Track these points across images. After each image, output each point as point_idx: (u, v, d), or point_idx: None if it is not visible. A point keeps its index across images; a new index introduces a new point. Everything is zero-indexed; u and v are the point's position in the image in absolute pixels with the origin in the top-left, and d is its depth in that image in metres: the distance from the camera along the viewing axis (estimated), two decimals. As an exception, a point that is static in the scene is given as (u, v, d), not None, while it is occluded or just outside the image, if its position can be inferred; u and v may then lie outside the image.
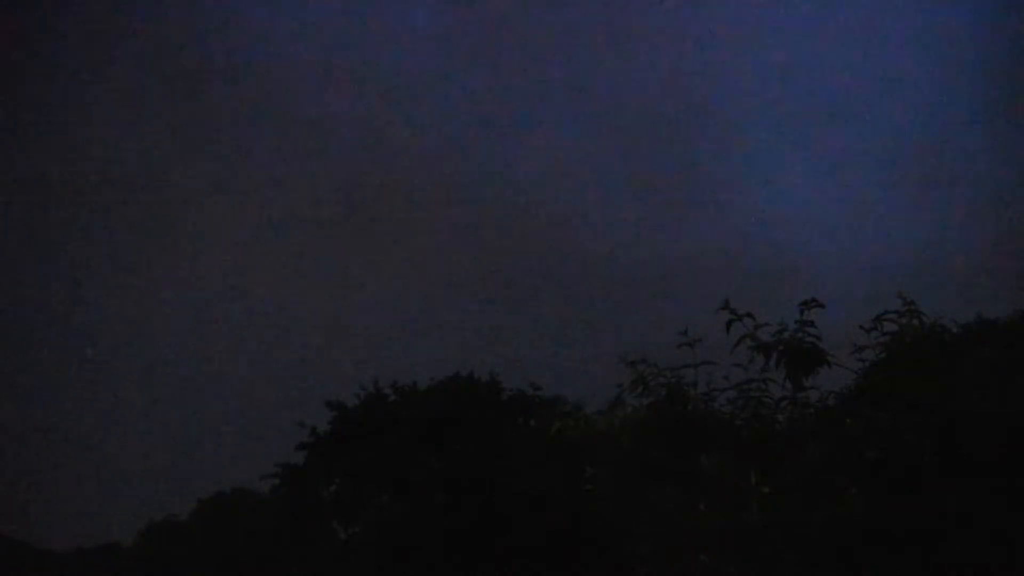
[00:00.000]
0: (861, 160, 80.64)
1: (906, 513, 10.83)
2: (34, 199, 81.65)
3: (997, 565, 10.75)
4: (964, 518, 10.94)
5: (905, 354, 12.21)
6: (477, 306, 64.53)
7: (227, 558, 41.77)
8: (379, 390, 39.66)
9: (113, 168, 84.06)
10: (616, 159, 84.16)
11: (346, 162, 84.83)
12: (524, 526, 27.63)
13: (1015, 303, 16.54)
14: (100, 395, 65.24)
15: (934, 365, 12.12)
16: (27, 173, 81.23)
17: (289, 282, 74.91)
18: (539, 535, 26.91)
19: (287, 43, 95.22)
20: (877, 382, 12.06)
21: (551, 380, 36.79)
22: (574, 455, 25.11)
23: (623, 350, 12.72)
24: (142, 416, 63.03)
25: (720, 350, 12.33)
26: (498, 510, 29.32)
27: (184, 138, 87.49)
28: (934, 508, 10.99)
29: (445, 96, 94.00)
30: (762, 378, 12.26)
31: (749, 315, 12.04)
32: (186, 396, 62.19)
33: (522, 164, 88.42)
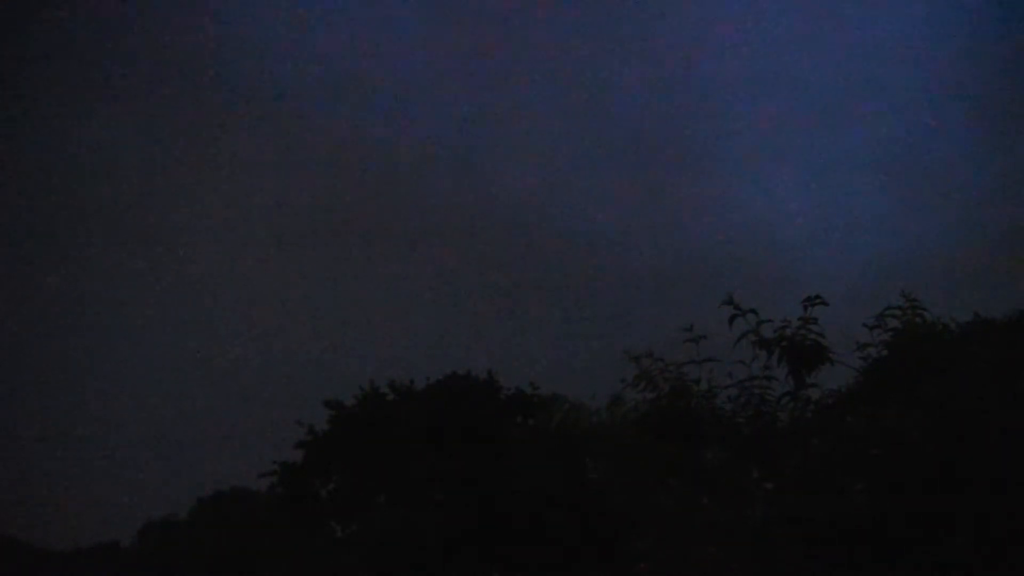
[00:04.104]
0: (853, 163, 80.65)
1: (909, 509, 10.87)
2: (34, 200, 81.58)
3: (999, 561, 10.80)
4: (967, 515, 11.00)
5: (908, 352, 12.25)
6: (476, 306, 64.45)
7: (225, 557, 41.69)
8: (376, 389, 39.63)
9: (115, 169, 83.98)
10: (611, 162, 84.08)
11: (346, 163, 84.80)
12: (524, 525, 27.64)
13: (1011, 303, 16.57)
14: (99, 394, 65.14)
15: (936, 363, 12.16)
16: (28, 174, 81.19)
17: (288, 281, 74.88)
18: (539, 534, 26.93)
19: (289, 50, 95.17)
20: (880, 380, 12.10)
21: (549, 380, 36.82)
22: (575, 452, 25.19)
23: (622, 349, 12.75)
24: (141, 415, 62.95)
25: (721, 349, 12.36)
26: (497, 509, 29.34)
27: (185, 140, 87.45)
28: (937, 505, 11.04)
29: (443, 98, 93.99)
30: (764, 375, 12.28)
31: (752, 311, 12.08)
32: (185, 395, 62.07)
33: (520, 166, 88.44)
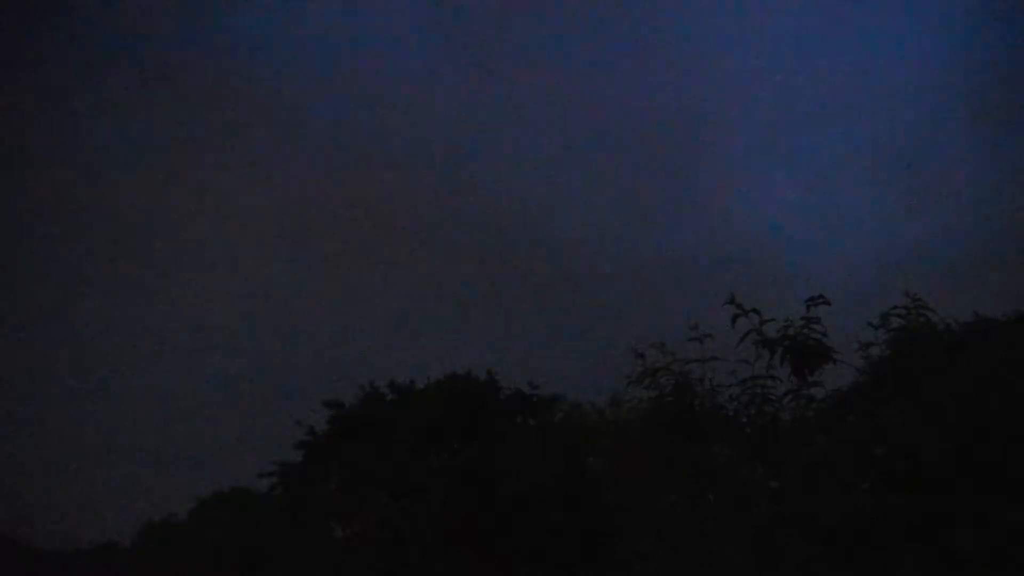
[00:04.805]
0: (854, 163, 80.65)
1: (912, 508, 10.90)
2: (35, 199, 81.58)
3: (1002, 559, 10.83)
4: (968, 515, 11.03)
5: (910, 351, 12.27)
6: (476, 306, 64.46)
7: (225, 557, 41.63)
8: (376, 389, 39.62)
9: (114, 168, 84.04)
10: (610, 162, 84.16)
11: (345, 164, 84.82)
12: (523, 524, 27.65)
13: (1012, 303, 16.61)
14: (99, 395, 65.12)
15: (938, 363, 12.18)
16: (32, 173, 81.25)
17: (289, 282, 74.87)
18: (539, 533, 26.94)
19: (286, 52, 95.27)
20: (883, 379, 12.12)
21: (549, 380, 36.80)
22: (575, 451, 25.19)
23: (625, 346, 12.74)
24: (141, 415, 62.96)
25: (723, 349, 12.34)
26: (498, 509, 29.35)
27: (184, 141, 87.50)
28: (939, 504, 11.08)
29: (442, 101, 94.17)
30: (768, 375, 12.26)
31: (755, 310, 12.05)
32: (185, 395, 62.07)
33: (519, 166, 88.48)
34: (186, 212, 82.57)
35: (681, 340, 12.39)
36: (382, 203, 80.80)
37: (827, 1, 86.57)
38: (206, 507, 47.63)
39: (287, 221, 79.47)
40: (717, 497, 11.52)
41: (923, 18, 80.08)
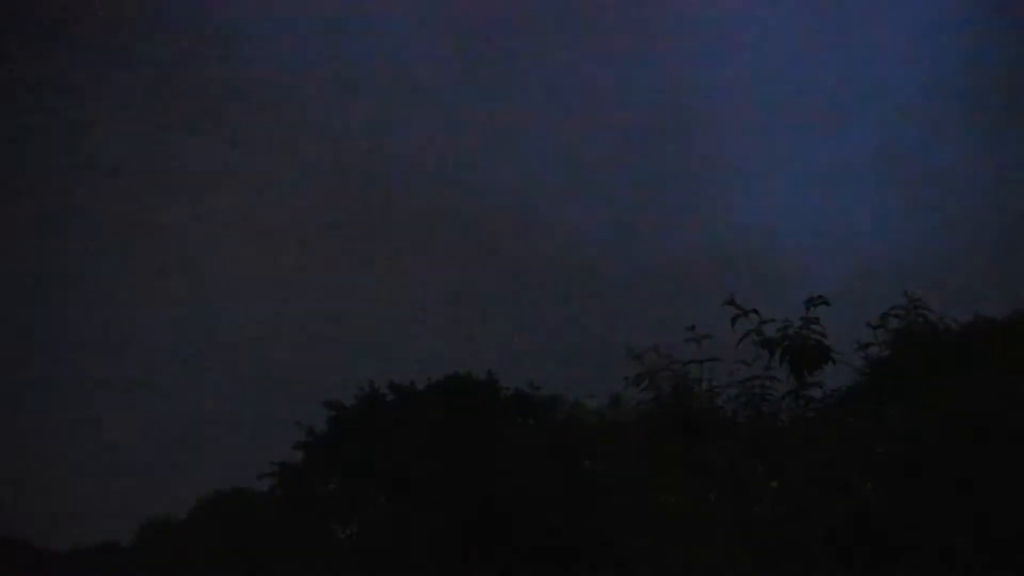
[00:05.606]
0: (853, 164, 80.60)
1: (913, 508, 10.92)
2: (37, 197, 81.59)
3: (1002, 559, 10.85)
4: (969, 514, 11.05)
5: (909, 351, 12.28)
6: (476, 306, 64.45)
7: (225, 557, 41.62)
8: (376, 390, 39.61)
9: (119, 169, 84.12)
10: (611, 163, 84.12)
11: (346, 165, 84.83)
12: (524, 525, 27.62)
13: (1012, 303, 16.62)
14: (99, 394, 65.14)
15: (938, 363, 12.19)
16: (34, 171, 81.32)
17: (288, 282, 74.90)
18: (539, 533, 26.91)
19: (290, 53, 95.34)
20: (882, 379, 12.13)
21: (549, 380, 36.78)
22: (575, 452, 25.18)
23: (624, 348, 12.75)
24: (141, 415, 62.96)
25: (722, 349, 12.34)
26: (498, 510, 29.32)
27: (188, 139, 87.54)
28: (940, 504, 11.09)
29: (445, 102, 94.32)
30: (767, 375, 12.25)
31: (754, 311, 12.04)
32: (186, 395, 62.08)
33: (521, 167, 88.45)
34: (191, 212, 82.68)
35: (681, 341, 12.39)
36: (383, 205, 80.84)
37: (828, 4, 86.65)
38: (206, 507, 47.64)
39: (287, 222, 79.52)
40: (717, 497, 11.52)
41: (923, 19, 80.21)
